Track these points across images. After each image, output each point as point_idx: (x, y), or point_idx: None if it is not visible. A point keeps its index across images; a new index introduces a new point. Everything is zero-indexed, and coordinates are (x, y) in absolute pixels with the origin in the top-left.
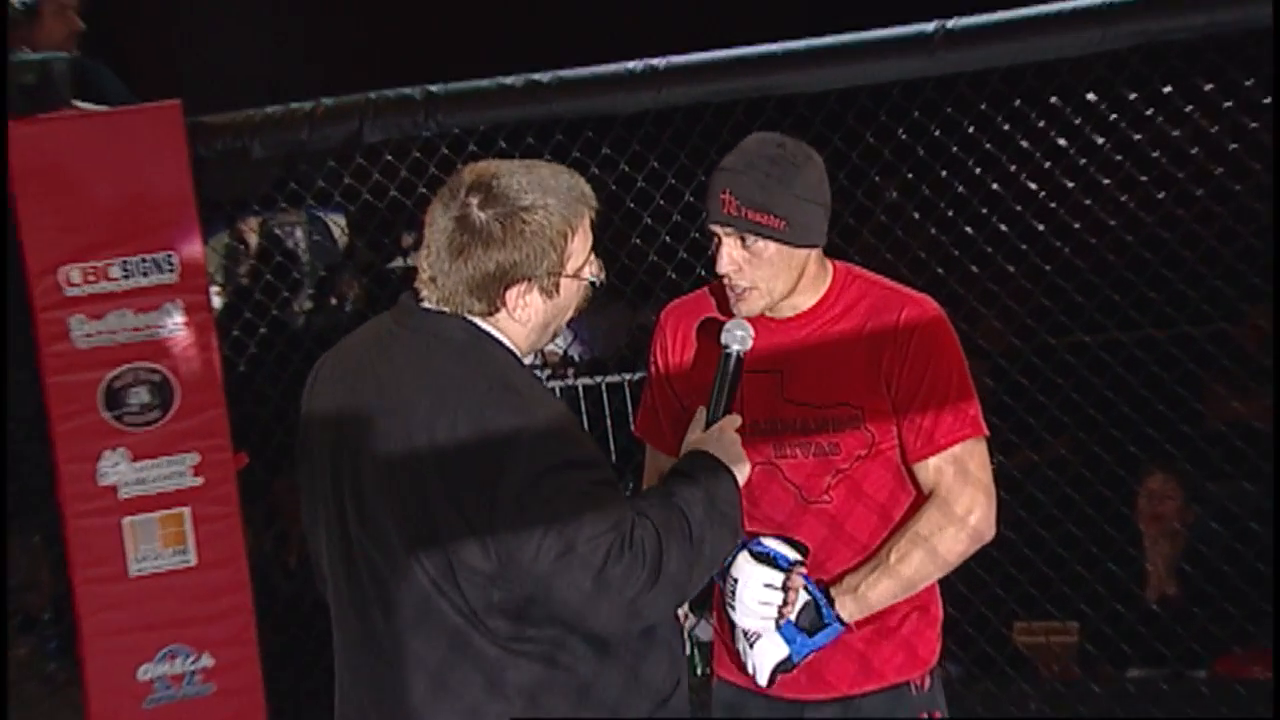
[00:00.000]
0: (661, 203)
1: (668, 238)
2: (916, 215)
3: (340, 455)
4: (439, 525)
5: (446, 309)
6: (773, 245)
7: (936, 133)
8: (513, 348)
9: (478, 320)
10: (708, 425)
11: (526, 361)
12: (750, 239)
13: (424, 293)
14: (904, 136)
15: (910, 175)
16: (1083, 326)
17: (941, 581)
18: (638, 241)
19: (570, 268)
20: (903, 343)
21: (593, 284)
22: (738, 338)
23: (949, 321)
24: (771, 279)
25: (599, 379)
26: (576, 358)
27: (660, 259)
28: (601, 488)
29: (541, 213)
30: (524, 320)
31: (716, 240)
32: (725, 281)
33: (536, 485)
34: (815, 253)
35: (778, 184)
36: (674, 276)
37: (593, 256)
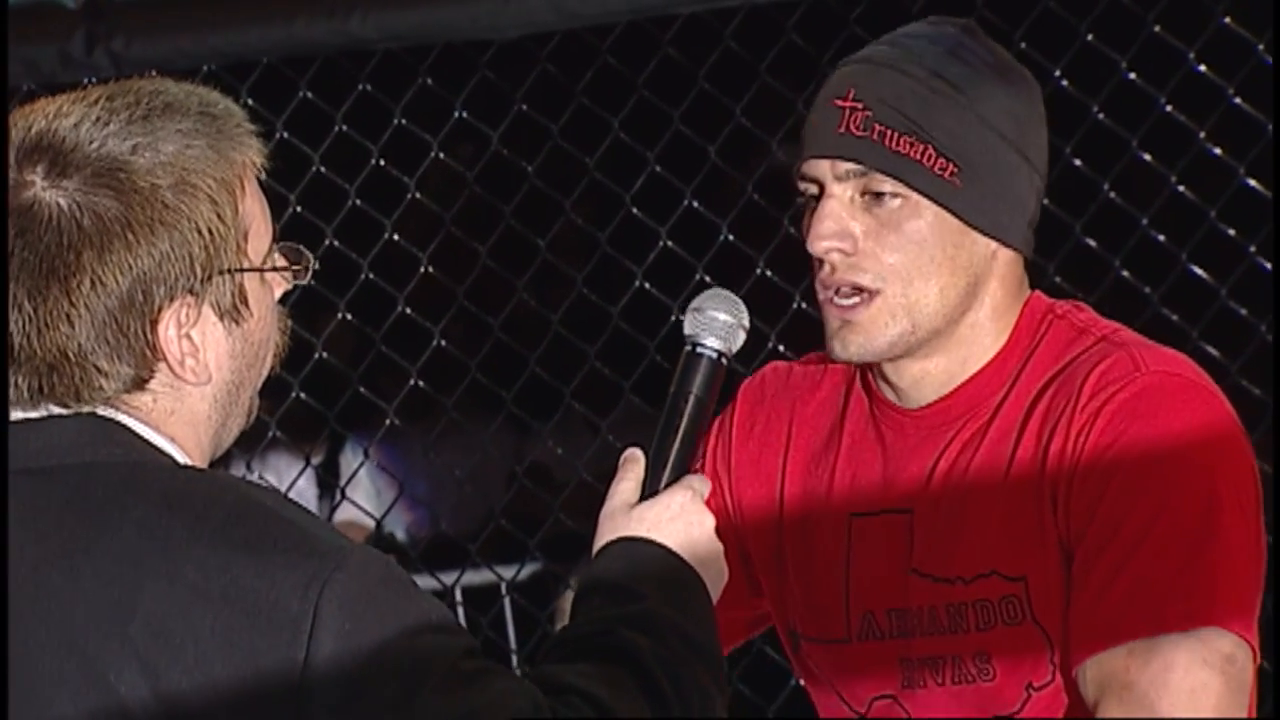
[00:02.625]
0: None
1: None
2: None
3: None
4: None
5: (51, 408)
6: (929, 207)
7: None
8: (183, 455)
9: (119, 415)
10: (650, 487)
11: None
12: (886, 186)
13: None
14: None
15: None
16: None
17: None
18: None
19: (254, 254)
20: (1079, 445)
21: (294, 285)
22: (718, 324)
23: (1227, 421)
24: (914, 275)
25: (451, 579)
26: (404, 537)
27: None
28: (479, 662)
29: (174, 161)
30: (199, 377)
31: (813, 195)
32: (819, 275)
33: (367, 686)
34: (1008, 261)
35: (960, 91)
36: (660, 360)
37: (276, 234)
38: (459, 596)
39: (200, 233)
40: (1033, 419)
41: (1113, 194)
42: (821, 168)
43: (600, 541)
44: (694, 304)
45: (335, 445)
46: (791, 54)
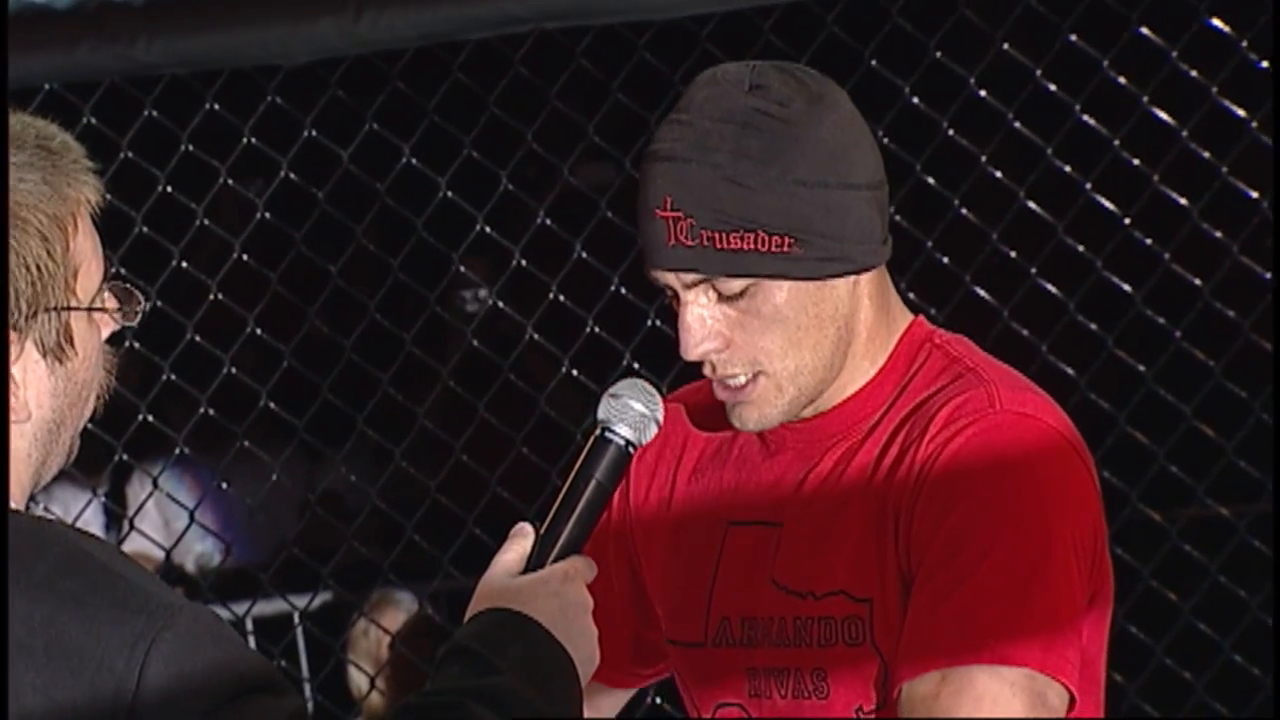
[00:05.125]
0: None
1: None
2: None
3: None
4: None
5: None
6: (780, 285)
7: None
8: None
9: None
10: (536, 563)
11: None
12: (733, 285)
13: None
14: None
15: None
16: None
17: None
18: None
19: (83, 293)
20: (922, 473)
21: (123, 325)
22: (632, 414)
23: (1072, 465)
24: (791, 351)
25: (243, 609)
26: (194, 567)
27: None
28: None
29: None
30: (16, 415)
31: (669, 296)
32: (706, 371)
33: None
34: (871, 280)
35: (766, 168)
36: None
37: (107, 273)
38: (250, 626)
39: (28, 268)
40: (893, 446)
41: (964, 210)
42: (669, 278)
43: (473, 609)
44: (612, 389)
45: (123, 476)
46: (581, 78)
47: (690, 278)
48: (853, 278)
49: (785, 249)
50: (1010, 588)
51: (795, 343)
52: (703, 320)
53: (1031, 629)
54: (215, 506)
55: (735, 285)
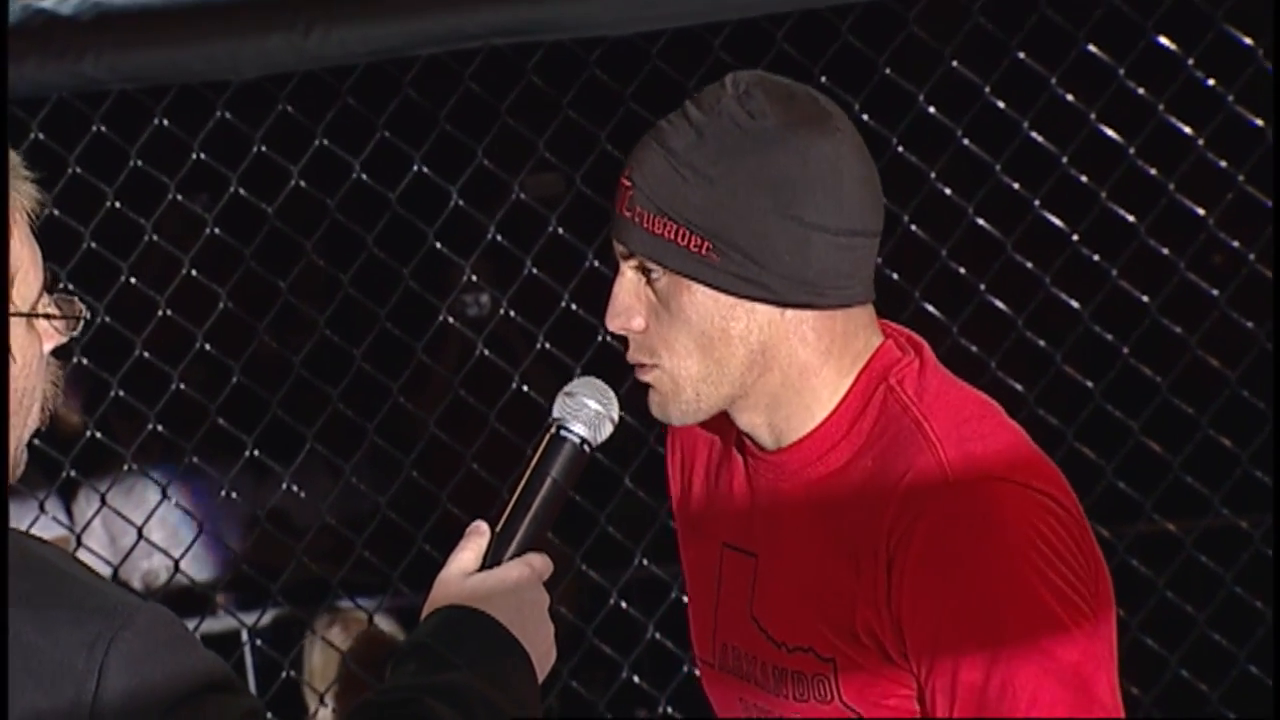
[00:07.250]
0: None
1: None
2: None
3: None
4: None
5: None
6: (689, 287)
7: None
8: None
9: None
10: (492, 560)
11: None
12: (651, 267)
13: None
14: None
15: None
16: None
17: None
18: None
19: (20, 299)
20: (894, 569)
21: (68, 336)
22: (587, 412)
23: (1020, 513)
24: (696, 355)
25: (191, 626)
26: (141, 584)
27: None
28: None
29: None
30: None
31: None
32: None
33: None
34: (804, 320)
35: (708, 166)
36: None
37: (47, 283)
38: None
39: None
40: (857, 510)
41: (914, 226)
42: (615, 246)
43: (430, 607)
44: (567, 388)
45: (70, 492)
46: (532, 95)
47: (619, 249)
48: (777, 309)
49: (702, 252)
50: (1031, 666)
51: (701, 349)
52: (625, 294)
53: (1067, 689)
54: (163, 523)
55: (656, 270)
